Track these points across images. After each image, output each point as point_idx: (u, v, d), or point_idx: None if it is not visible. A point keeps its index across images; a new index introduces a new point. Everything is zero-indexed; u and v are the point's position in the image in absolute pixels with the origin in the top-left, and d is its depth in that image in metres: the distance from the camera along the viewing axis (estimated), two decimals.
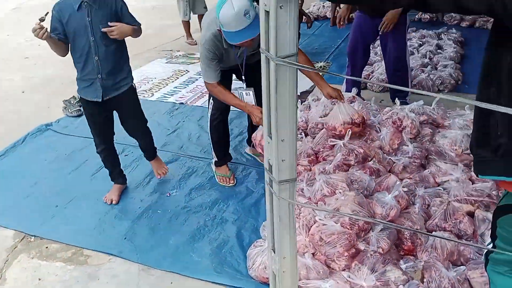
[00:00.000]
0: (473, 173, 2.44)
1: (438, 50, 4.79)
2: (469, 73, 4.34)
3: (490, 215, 2.07)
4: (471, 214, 2.16)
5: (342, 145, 2.45)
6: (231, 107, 2.68)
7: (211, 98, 2.64)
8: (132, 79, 2.51)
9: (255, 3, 2.18)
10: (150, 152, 2.81)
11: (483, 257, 1.52)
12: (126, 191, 2.78)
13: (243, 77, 2.64)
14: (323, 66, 4.80)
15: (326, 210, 2.04)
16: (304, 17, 5.32)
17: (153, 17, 7.32)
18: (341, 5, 3.41)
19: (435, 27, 5.69)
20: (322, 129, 2.77)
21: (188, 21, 5.80)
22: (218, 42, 2.34)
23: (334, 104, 2.70)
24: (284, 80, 1.32)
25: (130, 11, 2.36)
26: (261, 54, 1.35)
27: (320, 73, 3.15)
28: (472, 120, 2.76)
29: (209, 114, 2.69)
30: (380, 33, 3.36)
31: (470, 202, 2.19)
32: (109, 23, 2.24)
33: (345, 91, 3.66)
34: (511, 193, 1.24)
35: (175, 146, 3.27)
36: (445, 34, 5.26)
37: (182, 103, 4.03)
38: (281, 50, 1.27)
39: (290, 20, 1.25)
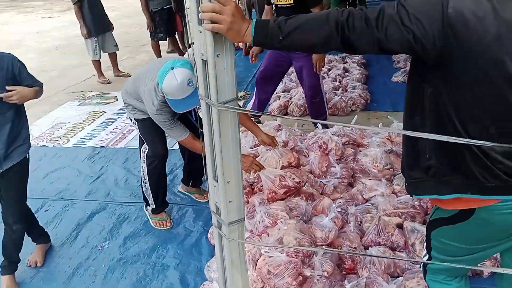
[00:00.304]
0: (395, 186, 2.66)
1: (345, 73, 5.18)
2: (375, 92, 4.75)
3: (417, 225, 2.26)
4: (400, 226, 2.33)
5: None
6: (169, 151, 2.64)
7: (145, 145, 2.57)
8: (29, 146, 2.21)
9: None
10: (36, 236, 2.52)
11: (421, 268, 1.65)
12: (51, 250, 2.55)
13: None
14: (243, 95, 4.92)
15: (281, 247, 2.06)
16: None
17: (58, 57, 6.98)
18: None
19: (339, 51, 6.13)
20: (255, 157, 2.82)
21: (99, 60, 5.61)
22: (167, 106, 2.31)
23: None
24: (226, 124, 1.34)
25: (31, 52, 2.21)
26: (201, 101, 1.37)
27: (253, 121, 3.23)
28: (387, 137, 3.01)
29: (145, 162, 2.58)
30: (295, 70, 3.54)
31: (397, 214, 2.37)
32: (6, 87, 1.98)
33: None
34: (441, 207, 1.37)
35: (101, 194, 3.09)
36: (349, 58, 5.71)
37: (102, 146, 3.84)
38: (221, 96, 1.30)
39: (228, 66, 1.29)
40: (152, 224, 2.70)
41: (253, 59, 3.63)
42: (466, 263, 1.41)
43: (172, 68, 2.14)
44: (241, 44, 6.77)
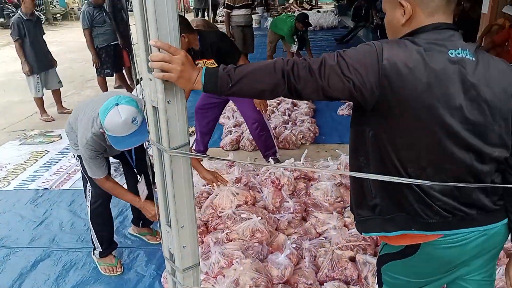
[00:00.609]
0: (346, 219, 2.74)
1: (294, 107, 5.34)
2: (322, 125, 4.92)
3: (368, 258, 2.32)
4: (353, 259, 2.38)
5: (232, 213, 2.51)
6: None
7: (89, 184, 2.47)
8: None
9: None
10: None
11: None
12: None
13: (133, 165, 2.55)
14: (192, 131, 4.90)
15: None
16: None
17: None
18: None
19: (287, 98, 6.35)
20: (208, 197, 2.81)
21: (41, 98, 5.40)
22: (101, 141, 2.24)
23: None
24: (179, 169, 1.34)
25: None
26: (153, 147, 1.36)
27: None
28: (337, 169, 3.10)
29: (88, 202, 2.49)
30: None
31: (350, 247, 2.42)
32: None
33: (197, 149, 3.83)
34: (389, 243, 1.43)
35: (46, 240, 2.90)
36: None
37: (46, 188, 3.64)
38: (173, 142, 1.30)
39: (179, 112, 1.30)
40: (101, 271, 2.56)
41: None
42: None
43: (117, 104, 2.06)
44: None
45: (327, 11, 16.28)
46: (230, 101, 3.77)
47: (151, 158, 1.85)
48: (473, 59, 1.17)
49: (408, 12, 1.22)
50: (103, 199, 2.49)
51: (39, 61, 5.16)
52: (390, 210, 1.30)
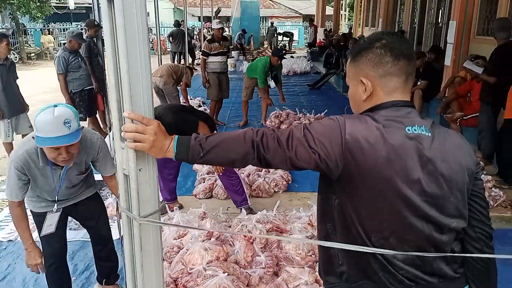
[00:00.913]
0: (317, 273, 2.74)
1: None
2: (295, 173, 4.96)
3: None
4: None
5: (202, 269, 2.48)
6: (67, 248, 2.52)
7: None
8: None
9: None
10: None
11: None
12: None
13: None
14: None
15: None
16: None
17: None
18: None
19: (257, 166, 6.47)
20: (178, 251, 2.76)
21: (11, 143, 5.28)
22: (31, 161, 2.13)
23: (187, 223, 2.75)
24: (148, 237, 1.35)
25: None
26: (122, 213, 1.36)
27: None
28: (308, 222, 3.13)
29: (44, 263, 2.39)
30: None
31: None
32: None
33: (165, 200, 3.79)
34: None
35: None
36: None
37: (11, 240, 3.49)
38: (143, 210, 1.31)
39: (150, 179, 1.33)
40: None
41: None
42: None
43: (55, 106, 2.02)
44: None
45: (300, 56, 16.85)
46: None
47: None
48: (429, 134, 1.26)
49: (368, 90, 1.31)
50: (56, 257, 2.44)
51: (10, 106, 5.09)
52: (357, 277, 1.33)
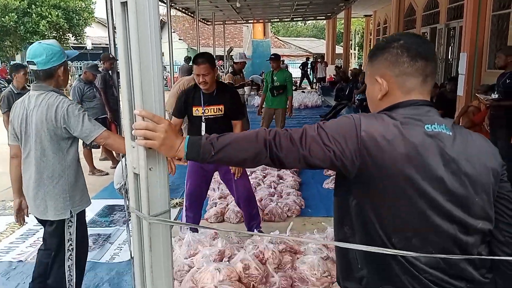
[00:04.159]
0: None
1: (280, 180, 5.36)
2: (308, 198, 4.92)
3: None
4: None
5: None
6: None
7: (69, 239, 2.45)
8: None
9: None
10: None
11: None
12: None
13: None
14: (178, 203, 4.85)
15: None
16: None
17: None
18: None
19: (269, 166, 6.44)
20: (189, 271, 2.70)
21: None
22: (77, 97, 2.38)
23: (198, 243, 2.71)
24: (158, 238, 1.31)
25: None
26: (132, 214, 1.35)
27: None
28: (323, 244, 3.06)
29: (70, 252, 2.46)
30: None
31: None
32: None
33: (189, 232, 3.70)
34: None
35: None
36: None
37: (21, 260, 3.47)
38: (153, 209, 1.29)
39: (160, 179, 1.31)
40: None
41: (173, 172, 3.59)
42: None
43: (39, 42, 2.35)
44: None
45: (311, 91, 17.14)
46: (216, 172, 3.76)
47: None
48: (450, 133, 1.21)
49: (383, 89, 1.28)
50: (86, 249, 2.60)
51: None
52: (377, 282, 1.27)
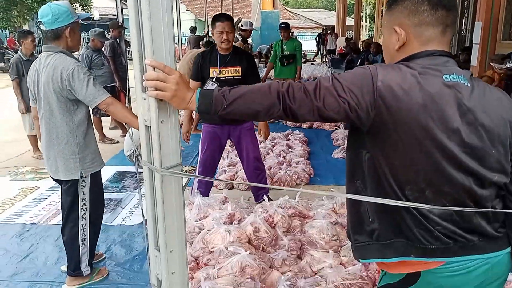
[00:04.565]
0: (343, 257, 2.66)
1: (289, 149, 5.35)
2: (317, 167, 4.91)
3: None
4: None
5: (224, 248, 2.44)
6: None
7: (83, 198, 2.49)
8: None
9: None
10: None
11: None
12: None
13: None
14: (189, 170, 4.88)
15: None
16: None
17: None
18: (183, 122, 3.47)
19: (282, 129, 6.44)
20: (199, 232, 2.73)
21: (35, 135, 5.40)
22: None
23: (208, 207, 2.73)
24: (170, 190, 1.31)
25: None
26: (144, 167, 1.34)
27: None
28: (332, 208, 3.07)
29: (83, 216, 2.50)
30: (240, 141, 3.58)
31: (346, 286, 2.33)
32: None
33: (201, 195, 3.70)
34: (389, 273, 1.37)
35: (30, 274, 2.78)
36: (292, 135, 5.97)
37: (34, 223, 3.54)
38: (165, 162, 1.28)
39: (172, 132, 1.29)
40: (94, 280, 2.62)
41: (188, 139, 3.57)
42: None
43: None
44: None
45: (320, 64, 16.93)
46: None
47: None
48: (468, 84, 1.19)
49: (401, 39, 1.25)
50: (102, 210, 2.64)
51: None
52: (389, 235, 1.26)
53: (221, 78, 3.29)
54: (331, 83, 1.18)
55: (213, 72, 3.30)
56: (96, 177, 2.53)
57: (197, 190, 3.54)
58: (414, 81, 1.15)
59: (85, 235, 2.51)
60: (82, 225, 2.49)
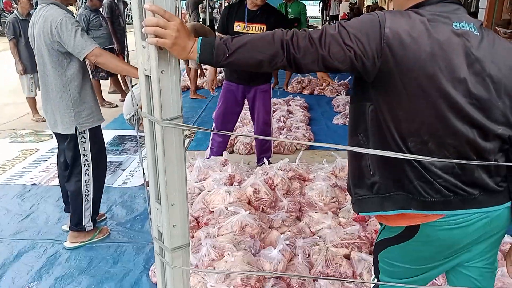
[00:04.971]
0: (341, 219, 2.68)
1: (289, 115, 5.32)
2: (317, 132, 4.90)
3: (364, 255, 2.26)
4: (347, 257, 2.32)
5: (224, 208, 2.45)
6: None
7: (85, 154, 2.49)
8: None
9: None
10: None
11: None
12: None
13: None
14: (188, 134, 4.86)
15: (226, 272, 1.96)
16: None
17: None
18: (208, 71, 3.49)
19: (283, 95, 6.38)
20: (200, 193, 2.74)
21: (34, 98, 5.35)
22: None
23: (209, 169, 2.73)
24: (171, 142, 1.29)
25: None
26: (144, 119, 1.32)
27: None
28: (332, 171, 3.07)
29: (86, 172, 2.51)
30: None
31: (344, 245, 2.36)
32: None
33: (212, 155, 3.72)
34: (388, 227, 1.37)
35: (31, 232, 2.81)
36: (292, 101, 5.92)
37: (34, 184, 3.55)
38: (166, 113, 1.25)
39: (173, 83, 1.26)
40: (96, 239, 2.66)
41: (213, 88, 3.55)
42: (413, 285, 1.40)
43: None
44: (188, 84, 6.81)
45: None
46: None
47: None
48: (478, 34, 1.16)
49: None
50: (104, 166, 2.64)
51: (33, 61, 5.03)
52: (389, 188, 1.25)
53: (243, 34, 3.22)
54: (337, 30, 1.14)
55: (237, 26, 3.20)
56: (95, 132, 2.52)
57: (211, 148, 3.55)
58: (423, 28, 1.11)
59: (88, 191, 2.53)
60: (85, 180, 2.50)
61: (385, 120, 1.19)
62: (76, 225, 2.59)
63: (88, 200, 2.55)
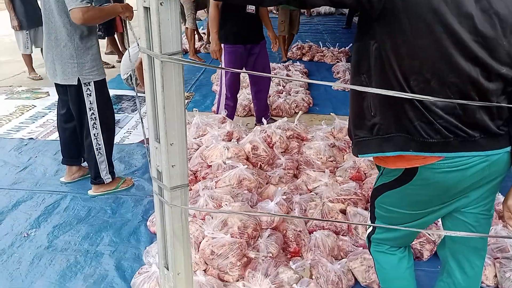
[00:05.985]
0: (338, 177, 2.69)
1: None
2: (316, 97, 4.87)
3: (360, 210, 2.29)
4: (343, 212, 2.35)
5: (222, 163, 2.45)
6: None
7: (92, 110, 2.47)
8: None
9: None
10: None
11: (366, 240, 1.64)
12: None
13: None
14: (187, 96, 4.83)
15: (223, 212, 1.98)
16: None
17: None
18: (211, 40, 3.41)
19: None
20: (197, 149, 2.74)
21: (30, 55, 5.26)
22: None
23: (207, 126, 2.71)
24: (170, 78, 1.26)
25: None
26: (143, 55, 1.29)
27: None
28: (330, 132, 3.06)
29: (95, 126, 2.50)
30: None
31: (340, 201, 2.39)
32: None
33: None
34: (386, 171, 1.37)
35: (29, 183, 2.83)
36: (292, 66, 5.86)
37: (32, 138, 3.54)
38: (165, 48, 1.23)
39: (172, 17, 1.22)
40: (120, 189, 2.72)
41: (219, 55, 3.45)
42: (409, 232, 1.42)
43: None
44: (186, 47, 6.70)
45: None
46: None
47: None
48: None
49: None
50: (112, 119, 2.64)
51: (28, 17, 4.99)
52: (389, 129, 1.24)
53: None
54: None
55: None
56: (101, 86, 2.48)
57: (225, 110, 3.57)
58: None
59: (99, 144, 2.53)
60: (95, 134, 2.49)
61: (388, 58, 1.17)
62: (95, 178, 2.63)
63: (101, 154, 2.55)
